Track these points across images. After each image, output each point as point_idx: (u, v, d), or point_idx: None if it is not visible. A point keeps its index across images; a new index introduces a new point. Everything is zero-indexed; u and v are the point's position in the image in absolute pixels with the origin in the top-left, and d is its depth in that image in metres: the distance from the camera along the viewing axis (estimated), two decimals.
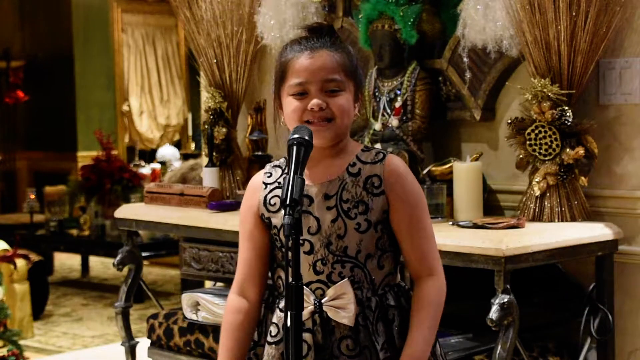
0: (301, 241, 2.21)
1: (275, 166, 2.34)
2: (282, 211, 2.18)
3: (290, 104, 2.24)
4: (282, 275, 2.29)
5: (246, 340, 2.33)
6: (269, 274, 2.36)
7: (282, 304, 2.27)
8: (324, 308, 2.22)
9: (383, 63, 3.69)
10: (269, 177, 2.32)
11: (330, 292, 2.23)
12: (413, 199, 2.25)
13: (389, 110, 3.69)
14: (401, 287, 2.32)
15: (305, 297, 2.20)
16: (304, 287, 2.20)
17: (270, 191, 2.29)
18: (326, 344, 2.23)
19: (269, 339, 2.27)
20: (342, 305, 2.22)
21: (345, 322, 2.22)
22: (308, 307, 2.22)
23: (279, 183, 2.28)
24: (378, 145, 3.65)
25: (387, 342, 2.24)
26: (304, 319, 2.20)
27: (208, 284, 4.63)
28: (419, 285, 2.26)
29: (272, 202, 2.28)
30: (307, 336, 2.22)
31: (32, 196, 8.37)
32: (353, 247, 2.23)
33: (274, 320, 2.29)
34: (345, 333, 2.23)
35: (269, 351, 2.27)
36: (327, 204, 2.23)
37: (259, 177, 2.34)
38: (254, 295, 2.33)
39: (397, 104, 3.66)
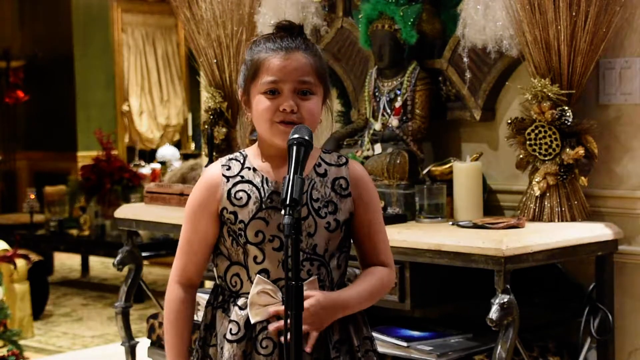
0: (270, 237, 2.23)
1: (232, 159, 2.31)
2: (250, 205, 2.23)
3: (261, 102, 2.24)
4: (242, 273, 2.27)
5: (191, 328, 2.36)
6: (217, 273, 2.34)
7: (240, 302, 2.26)
8: None
9: (383, 63, 3.69)
10: (227, 169, 2.29)
11: None
12: (375, 203, 2.35)
13: (389, 110, 3.69)
14: (346, 284, 2.36)
15: (272, 294, 2.23)
16: (272, 283, 2.23)
17: (234, 185, 2.27)
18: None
19: (229, 337, 2.25)
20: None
21: None
22: (275, 305, 2.23)
23: (242, 177, 2.27)
24: (378, 145, 3.66)
25: (340, 340, 2.28)
26: (268, 317, 2.22)
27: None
28: (372, 266, 2.35)
29: (237, 196, 2.25)
30: (273, 334, 2.23)
31: (32, 196, 8.37)
32: (322, 245, 2.25)
33: (233, 318, 2.26)
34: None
35: (230, 349, 2.25)
36: None
37: (216, 170, 2.30)
38: (197, 283, 2.37)
39: (397, 104, 3.66)
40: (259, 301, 2.23)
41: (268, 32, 2.33)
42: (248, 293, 2.25)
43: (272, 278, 2.24)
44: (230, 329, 2.26)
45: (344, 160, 2.33)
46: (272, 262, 2.23)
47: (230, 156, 2.33)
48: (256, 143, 2.33)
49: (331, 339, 2.26)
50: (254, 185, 2.26)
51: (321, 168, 2.29)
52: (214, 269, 2.35)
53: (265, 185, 2.25)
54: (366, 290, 2.30)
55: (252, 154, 2.31)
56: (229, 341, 2.25)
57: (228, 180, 2.27)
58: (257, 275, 2.24)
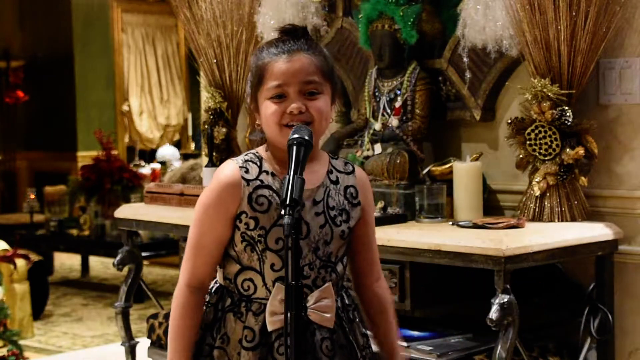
0: (290, 245, 2.21)
1: (248, 161, 2.27)
2: (271, 211, 2.21)
3: (269, 107, 2.23)
4: (256, 279, 2.25)
5: (197, 334, 2.29)
6: (224, 275, 2.31)
7: (254, 307, 2.24)
8: (308, 312, 2.23)
9: (383, 63, 3.69)
10: (246, 172, 2.25)
11: (314, 295, 2.24)
12: (373, 210, 2.42)
13: (389, 110, 3.69)
14: (345, 287, 2.38)
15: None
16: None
17: (255, 189, 2.23)
18: (306, 347, 2.22)
19: (245, 344, 2.23)
20: (325, 309, 2.24)
21: (325, 324, 2.25)
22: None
23: (262, 181, 2.24)
24: (378, 145, 3.66)
25: (355, 340, 2.31)
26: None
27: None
28: (374, 289, 2.40)
29: (259, 201, 2.22)
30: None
31: (32, 196, 8.37)
32: (335, 253, 2.27)
33: (248, 324, 2.24)
34: (325, 335, 2.25)
35: (245, 356, 2.23)
36: (316, 209, 2.24)
37: (235, 172, 2.24)
38: (208, 285, 2.31)
39: (397, 104, 3.66)
40: (279, 309, 2.20)
41: (272, 38, 2.31)
42: (262, 299, 2.24)
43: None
44: (246, 336, 2.24)
45: (350, 168, 2.33)
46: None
47: (245, 158, 2.28)
48: (264, 146, 2.30)
49: (354, 340, 2.30)
50: (274, 191, 2.23)
51: (333, 175, 2.30)
52: (219, 270, 2.33)
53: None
54: (396, 327, 2.45)
55: (266, 157, 2.27)
56: (245, 348, 2.24)
57: (248, 184, 2.24)
58: (277, 283, 2.21)
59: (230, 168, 2.26)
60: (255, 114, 2.29)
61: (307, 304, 2.23)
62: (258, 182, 2.24)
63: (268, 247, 2.22)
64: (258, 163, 2.27)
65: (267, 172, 2.26)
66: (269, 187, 2.24)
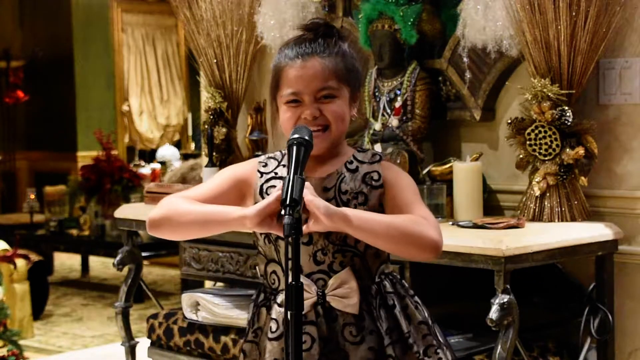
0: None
1: (271, 157, 2.34)
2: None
3: (285, 112, 2.27)
4: (278, 270, 2.27)
5: None
6: (259, 272, 2.34)
7: (279, 299, 2.26)
8: (327, 298, 2.23)
9: (383, 63, 3.70)
10: (264, 166, 2.32)
11: (332, 281, 2.24)
12: (407, 184, 2.29)
13: (388, 110, 3.69)
14: (394, 275, 2.36)
15: (306, 289, 2.21)
16: (305, 277, 2.22)
17: (267, 180, 2.29)
18: (330, 334, 2.23)
19: (269, 335, 2.26)
20: (345, 294, 2.24)
21: (349, 310, 2.24)
22: (311, 299, 2.22)
23: (276, 173, 2.29)
24: (378, 145, 3.66)
25: (389, 327, 2.27)
26: (305, 311, 2.20)
27: (208, 284, 4.63)
28: None
29: (268, 192, 2.26)
30: (311, 329, 2.22)
31: (32, 196, 8.37)
32: (352, 237, 2.23)
33: (273, 316, 2.27)
34: (349, 320, 2.24)
35: (269, 347, 2.26)
36: (326, 195, 2.24)
37: (253, 164, 2.34)
38: None
39: (397, 104, 3.66)
40: None
41: (294, 35, 2.32)
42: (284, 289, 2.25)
43: (306, 272, 2.24)
44: (271, 327, 2.27)
45: (377, 157, 2.32)
46: (302, 257, 2.20)
47: (271, 155, 2.36)
48: None
49: (382, 326, 2.26)
50: None
51: (352, 165, 2.29)
52: (257, 269, 2.36)
53: None
54: (385, 220, 2.18)
55: None
56: (270, 339, 2.26)
57: (262, 176, 2.30)
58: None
59: (252, 160, 2.36)
60: (277, 113, 2.33)
61: (326, 291, 2.23)
62: (272, 174, 2.29)
63: (279, 235, 2.22)
64: (279, 158, 2.32)
65: (284, 165, 2.29)
66: (281, 178, 2.26)
